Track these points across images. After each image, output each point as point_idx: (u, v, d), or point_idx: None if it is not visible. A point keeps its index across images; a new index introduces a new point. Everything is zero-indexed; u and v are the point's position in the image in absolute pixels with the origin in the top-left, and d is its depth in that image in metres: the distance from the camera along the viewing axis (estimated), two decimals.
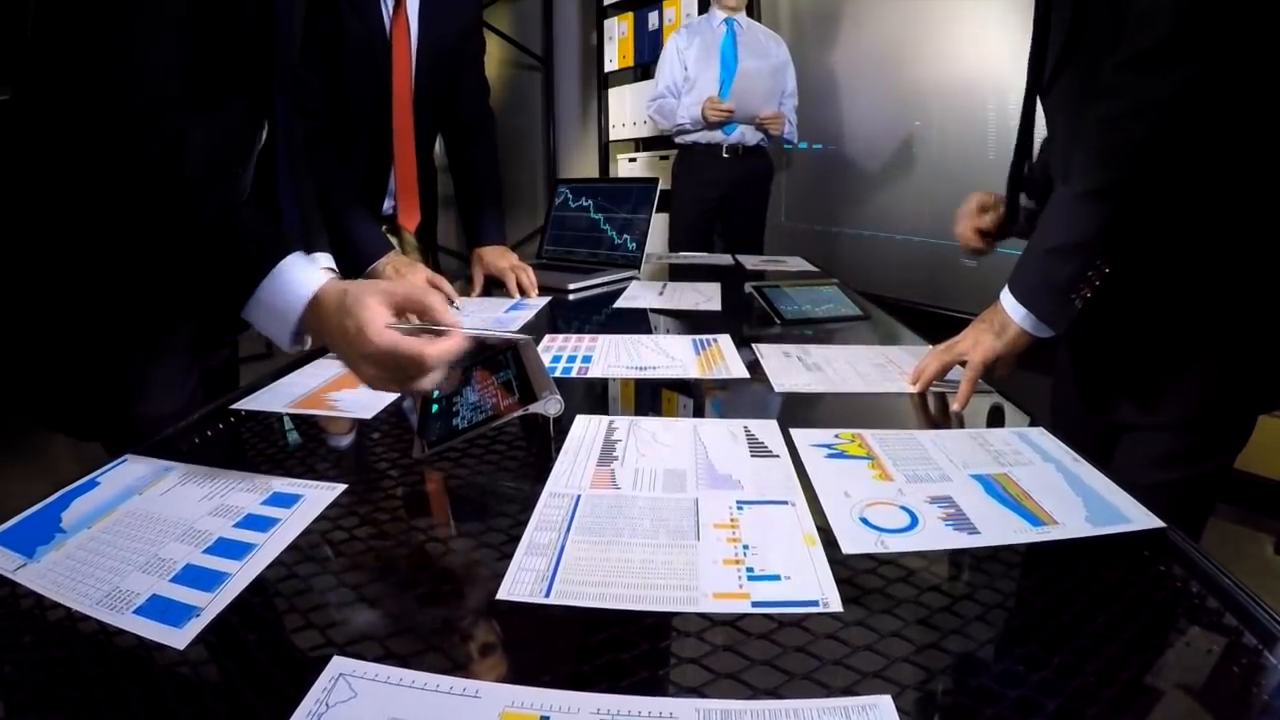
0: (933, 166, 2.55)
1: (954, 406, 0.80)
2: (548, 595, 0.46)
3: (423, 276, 1.10)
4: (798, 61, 2.78)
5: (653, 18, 3.55)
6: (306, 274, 0.66)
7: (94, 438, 0.85)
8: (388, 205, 1.54)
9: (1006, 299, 0.82)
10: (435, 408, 0.76)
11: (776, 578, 0.47)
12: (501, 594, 0.46)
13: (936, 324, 1.12)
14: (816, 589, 0.46)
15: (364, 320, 0.61)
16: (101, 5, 0.65)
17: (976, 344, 0.82)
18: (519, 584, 0.47)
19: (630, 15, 3.69)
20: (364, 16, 1.33)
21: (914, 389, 0.86)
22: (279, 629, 0.46)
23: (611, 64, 3.83)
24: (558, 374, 0.93)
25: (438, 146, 1.63)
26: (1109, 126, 0.72)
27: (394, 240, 1.57)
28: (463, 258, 2.22)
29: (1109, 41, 0.72)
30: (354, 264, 1.23)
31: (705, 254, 2.18)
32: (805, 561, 0.49)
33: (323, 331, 0.66)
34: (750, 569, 0.48)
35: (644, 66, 3.58)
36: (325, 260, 1.06)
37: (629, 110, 3.70)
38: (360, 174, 1.42)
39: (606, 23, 3.84)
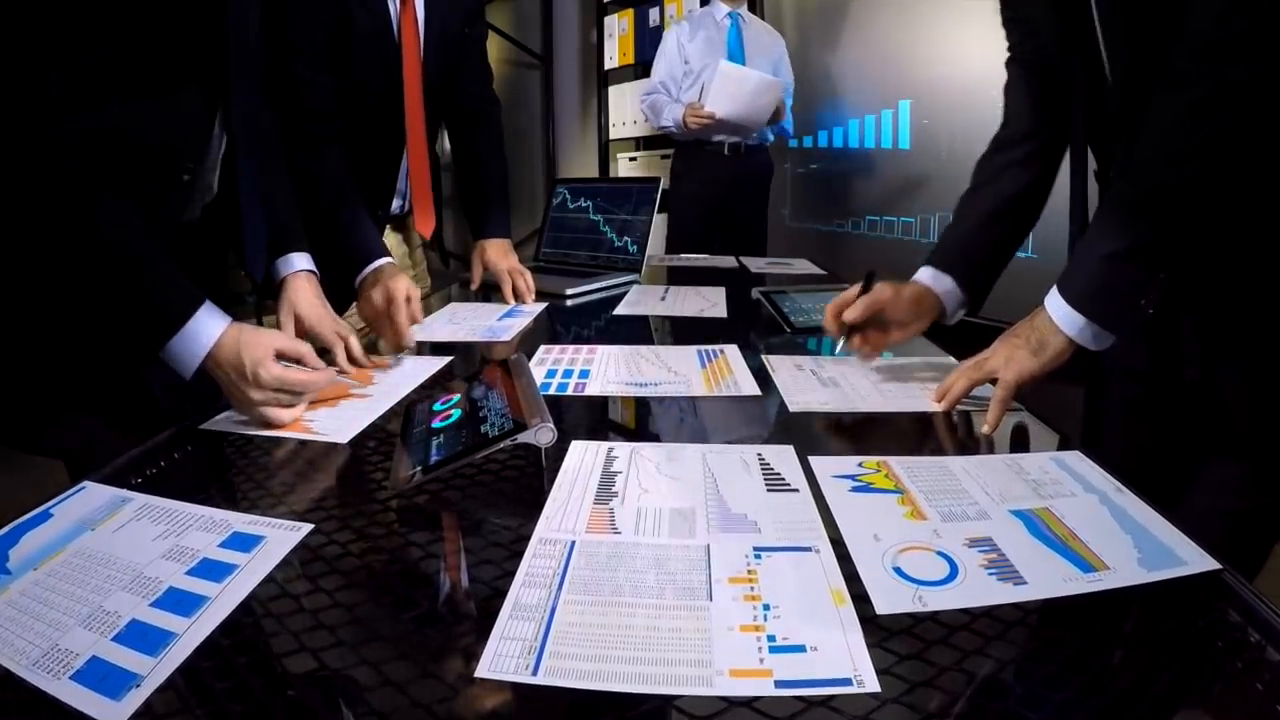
0: (941, 165, 2.49)
1: (984, 429, 0.74)
2: (535, 672, 0.39)
3: (404, 283, 1.08)
4: (802, 59, 2.71)
5: (653, 14, 3.49)
6: (207, 327, 0.75)
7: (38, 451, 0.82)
8: (396, 204, 1.47)
9: (1057, 310, 0.75)
10: (417, 433, 0.69)
11: (802, 649, 0.41)
12: (481, 671, 0.40)
13: (951, 330, 1.05)
14: (849, 663, 0.40)
15: (257, 358, 0.75)
16: None
17: (1009, 361, 0.76)
18: (502, 658, 0.40)
19: (630, 12, 3.63)
20: (371, 10, 1.27)
21: (939, 407, 0.80)
22: (226, 705, 0.39)
23: (612, 61, 3.77)
24: (552, 390, 0.86)
25: (443, 141, 1.57)
26: (1185, 116, 0.68)
27: (399, 236, 1.52)
28: (463, 259, 2.17)
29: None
30: (348, 267, 1.17)
31: (707, 256, 2.12)
32: (834, 626, 0.43)
33: (218, 372, 0.77)
34: (771, 637, 0.42)
35: (645, 64, 3.51)
36: (301, 261, 1.00)
37: (629, 109, 3.63)
38: (368, 173, 1.35)
39: (607, 20, 3.78)
